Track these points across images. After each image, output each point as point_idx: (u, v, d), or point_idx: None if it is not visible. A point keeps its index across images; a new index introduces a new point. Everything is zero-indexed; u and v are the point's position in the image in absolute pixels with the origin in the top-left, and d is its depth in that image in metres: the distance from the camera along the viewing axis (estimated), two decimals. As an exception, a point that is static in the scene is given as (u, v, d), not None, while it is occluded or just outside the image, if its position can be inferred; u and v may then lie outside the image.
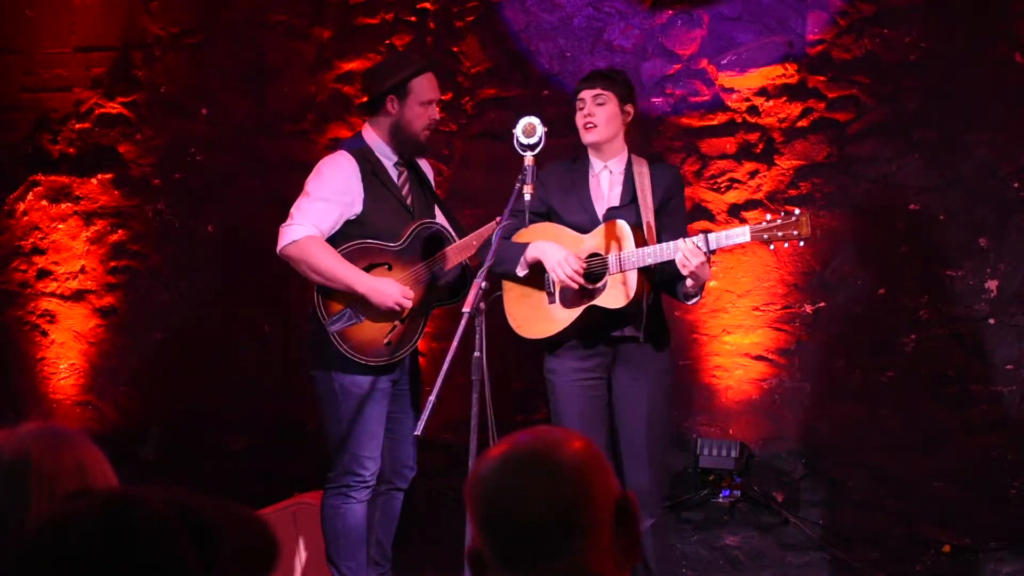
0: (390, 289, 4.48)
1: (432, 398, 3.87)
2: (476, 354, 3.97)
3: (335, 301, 4.49)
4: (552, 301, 4.38)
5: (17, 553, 1.37)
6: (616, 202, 4.41)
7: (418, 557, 5.54)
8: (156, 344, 6.11)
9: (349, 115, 5.80)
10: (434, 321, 5.10)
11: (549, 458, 1.71)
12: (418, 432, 3.96)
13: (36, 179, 6.26)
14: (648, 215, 4.35)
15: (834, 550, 5.24)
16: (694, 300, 4.39)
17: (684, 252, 4.12)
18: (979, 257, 5.16)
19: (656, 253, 4.20)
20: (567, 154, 4.56)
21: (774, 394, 5.36)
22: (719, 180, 5.43)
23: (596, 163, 4.46)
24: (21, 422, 2.02)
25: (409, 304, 4.51)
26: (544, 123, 4.25)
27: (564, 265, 4.25)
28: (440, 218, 4.74)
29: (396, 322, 4.53)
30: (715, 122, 5.43)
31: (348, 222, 4.53)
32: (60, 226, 6.23)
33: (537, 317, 4.41)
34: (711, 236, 4.17)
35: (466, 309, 3.95)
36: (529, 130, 4.25)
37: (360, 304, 4.48)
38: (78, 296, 6.20)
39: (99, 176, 6.18)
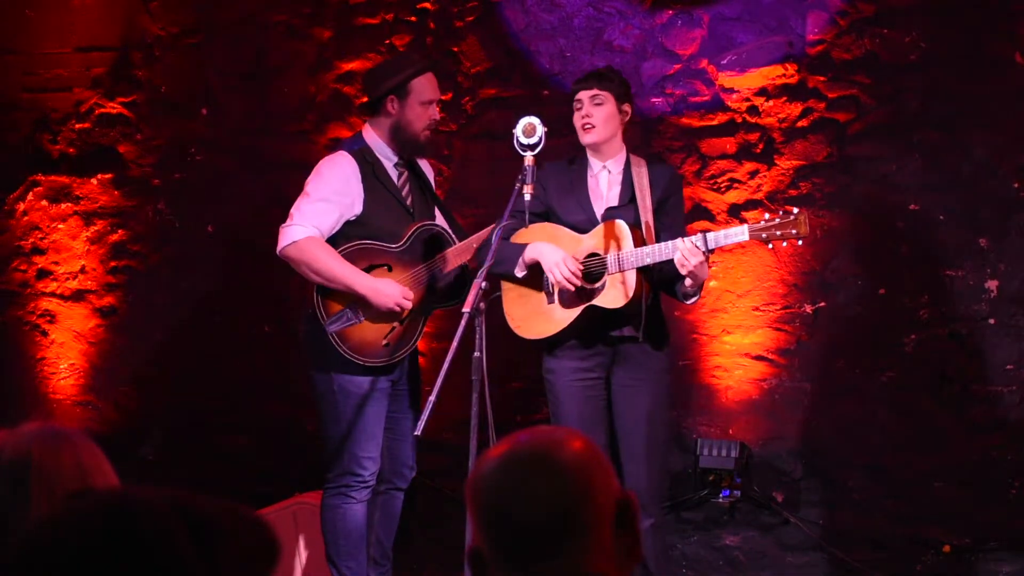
0: (390, 290, 4.48)
1: (432, 398, 3.87)
2: (476, 354, 3.97)
3: (334, 301, 4.49)
4: (551, 301, 4.37)
5: (17, 553, 1.37)
6: (615, 202, 4.41)
7: (419, 557, 5.54)
8: (156, 344, 6.11)
9: (349, 115, 5.80)
10: (434, 321, 5.11)
11: (550, 458, 1.71)
12: (418, 432, 3.97)
13: (36, 179, 6.26)
14: (647, 215, 4.35)
15: (834, 550, 5.24)
16: (693, 299, 4.39)
17: (682, 251, 4.12)
18: (979, 257, 5.16)
19: (655, 253, 4.20)
20: (567, 154, 4.56)
21: (774, 394, 5.36)
22: (719, 180, 5.43)
23: (595, 163, 4.46)
24: (21, 422, 2.02)
25: (409, 305, 4.51)
26: (544, 123, 4.25)
27: (562, 266, 4.25)
28: (439, 219, 4.74)
29: (395, 323, 4.52)
30: (715, 122, 5.43)
31: (348, 223, 4.52)
32: (60, 226, 6.23)
33: (536, 317, 4.41)
34: (709, 235, 4.17)
35: (466, 309, 3.94)
36: (529, 130, 4.24)
37: (360, 305, 4.48)
38: (78, 296, 6.21)
39: (99, 176, 6.18)
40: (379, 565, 4.68)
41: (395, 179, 4.63)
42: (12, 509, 1.88)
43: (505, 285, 4.47)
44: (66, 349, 6.21)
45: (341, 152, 4.61)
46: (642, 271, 4.25)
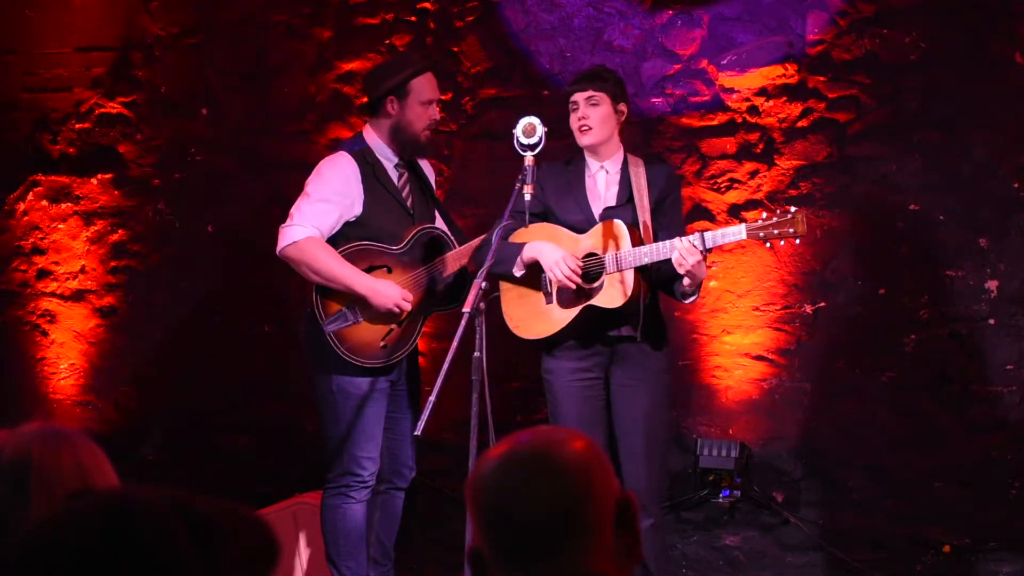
0: (390, 291, 4.48)
1: (432, 398, 3.87)
2: (476, 354, 3.97)
3: (333, 301, 4.49)
4: (549, 301, 4.37)
5: (17, 553, 1.37)
6: (613, 202, 4.41)
7: (419, 557, 5.54)
8: (156, 344, 6.11)
9: (349, 115, 5.80)
10: (434, 321, 5.11)
11: (550, 458, 1.71)
12: (418, 432, 3.97)
13: (36, 179, 6.26)
14: (644, 214, 4.35)
15: (834, 550, 5.24)
16: (691, 299, 4.39)
17: (680, 251, 4.12)
18: (979, 257, 5.16)
19: (653, 252, 4.20)
20: (566, 156, 4.56)
21: (774, 394, 5.36)
22: (719, 180, 5.43)
23: (592, 163, 4.46)
24: (21, 422, 2.02)
25: (408, 307, 4.51)
26: (544, 123, 4.25)
27: (561, 264, 4.25)
28: (439, 221, 4.74)
29: (393, 325, 4.52)
30: (715, 122, 5.43)
31: (348, 223, 4.52)
32: (60, 226, 6.23)
33: (535, 318, 4.41)
34: (707, 235, 4.17)
35: (466, 309, 3.95)
36: (529, 130, 4.24)
37: (359, 305, 4.48)
38: (78, 296, 6.20)
39: (99, 176, 6.18)
40: (380, 564, 4.69)
41: (395, 180, 4.63)
42: (12, 509, 1.88)
43: (504, 285, 4.47)
44: (66, 349, 6.21)
45: (341, 152, 4.61)
46: (640, 271, 4.25)
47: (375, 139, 4.62)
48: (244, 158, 5.98)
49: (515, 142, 4.26)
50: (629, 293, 4.24)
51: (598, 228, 4.33)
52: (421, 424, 3.93)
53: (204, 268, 6.05)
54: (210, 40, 6.03)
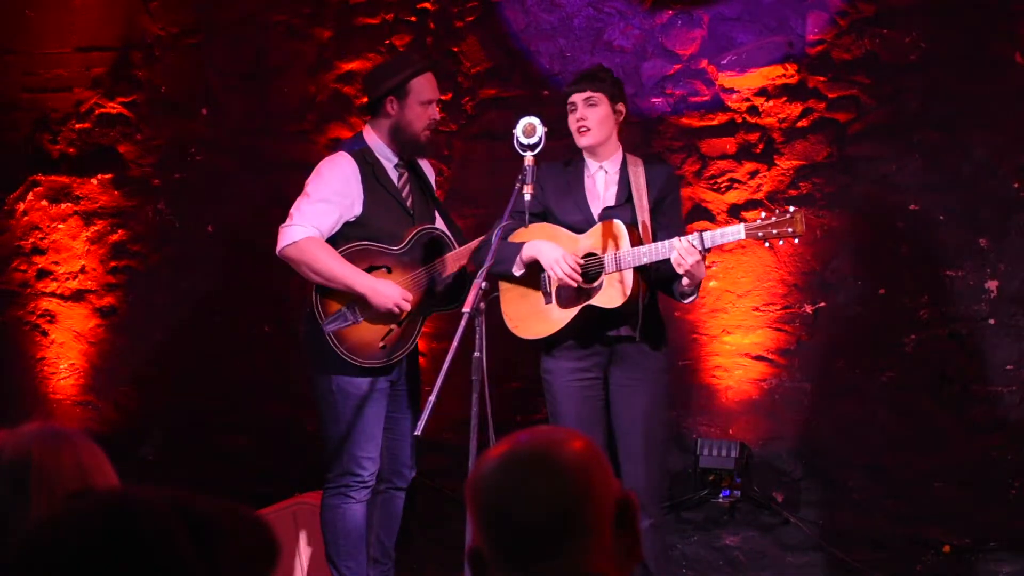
0: (390, 291, 4.48)
1: (432, 398, 3.87)
2: (476, 354, 3.97)
3: (333, 301, 4.49)
4: (549, 301, 4.37)
5: (17, 553, 1.37)
6: (612, 202, 4.41)
7: (419, 557, 5.54)
8: (156, 344, 6.11)
9: (349, 115, 5.80)
10: (434, 321, 5.11)
11: (550, 458, 1.71)
12: (418, 432, 3.97)
13: (36, 179, 6.26)
14: (643, 214, 4.35)
15: (834, 550, 5.24)
16: (690, 299, 4.39)
17: (679, 251, 4.12)
18: (979, 257, 5.16)
19: (652, 252, 4.20)
20: (565, 156, 4.56)
21: (774, 394, 5.36)
22: (719, 180, 5.42)
23: (591, 164, 4.46)
24: (21, 422, 2.02)
25: (408, 307, 4.51)
26: (544, 123, 4.25)
27: (561, 262, 4.25)
28: (439, 221, 4.74)
29: (393, 325, 4.52)
30: (715, 122, 5.43)
31: (348, 224, 4.52)
32: (60, 226, 6.23)
33: (534, 317, 4.41)
34: (706, 235, 4.17)
35: (466, 309, 3.95)
36: (529, 130, 4.24)
37: (359, 305, 4.48)
38: (78, 296, 6.20)
39: (99, 176, 6.18)
40: (380, 564, 4.69)
41: (395, 180, 4.63)
42: (12, 509, 1.88)
43: (503, 285, 4.47)
44: (66, 349, 6.21)
45: (341, 153, 4.61)
46: (639, 271, 4.25)
47: (375, 139, 4.62)
48: (244, 158, 5.98)
49: (515, 142, 4.27)
50: (628, 293, 4.24)
51: (597, 228, 4.33)
52: (421, 424, 3.93)
53: (204, 268, 6.05)
54: (210, 40, 6.03)
